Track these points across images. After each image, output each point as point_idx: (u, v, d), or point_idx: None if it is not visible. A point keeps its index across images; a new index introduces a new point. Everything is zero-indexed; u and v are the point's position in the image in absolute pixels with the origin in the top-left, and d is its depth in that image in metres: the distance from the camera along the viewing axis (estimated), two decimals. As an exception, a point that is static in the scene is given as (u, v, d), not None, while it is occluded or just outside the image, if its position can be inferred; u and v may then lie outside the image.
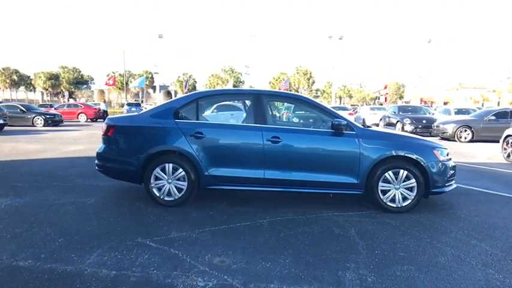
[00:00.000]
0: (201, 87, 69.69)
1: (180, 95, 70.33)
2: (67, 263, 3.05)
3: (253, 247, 3.43)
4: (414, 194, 4.47)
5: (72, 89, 69.27)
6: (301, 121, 5.38)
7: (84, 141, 12.43)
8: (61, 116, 21.42)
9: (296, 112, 6.82)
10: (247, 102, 4.83)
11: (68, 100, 53.40)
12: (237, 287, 2.72)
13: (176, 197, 4.63)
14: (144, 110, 5.34)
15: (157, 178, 4.62)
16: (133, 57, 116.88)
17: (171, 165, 4.59)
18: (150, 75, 64.99)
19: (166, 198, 4.65)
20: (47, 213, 4.33)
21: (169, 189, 4.62)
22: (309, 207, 4.70)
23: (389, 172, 4.46)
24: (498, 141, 9.68)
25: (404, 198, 4.49)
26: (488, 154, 10.41)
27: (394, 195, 4.49)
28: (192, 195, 4.65)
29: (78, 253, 3.24)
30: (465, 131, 13.51)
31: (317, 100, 5.25)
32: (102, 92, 70.85)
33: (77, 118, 25.78)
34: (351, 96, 71.36)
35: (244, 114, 5.20)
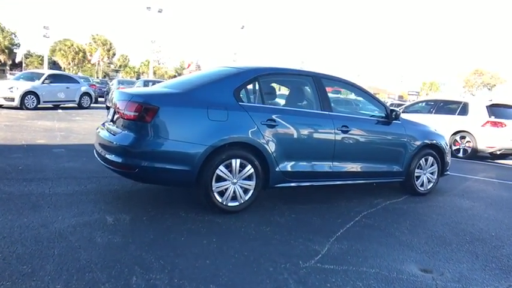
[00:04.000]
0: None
1: None
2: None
3: (417, 247, 3.15)
4: (435, 177, 5.04)
5: None
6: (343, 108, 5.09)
7: None
8: None
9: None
10: (308, 85, 4.20)
11: None
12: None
13: (242, 201, 3.64)
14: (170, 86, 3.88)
15: (219, 178, 3.50)
16: None
17: (238, 160, 3.56)
18: None
19: (230, 204, 3.60)
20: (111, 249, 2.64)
21: (234, 191, 3.59)
22: (358, 198, 4.58)
23: (423, 159, 4.85)
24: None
25: (429, 182, 4.99)
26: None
27: (423, 179, 4.92)
28: (257, 197, 3.76)
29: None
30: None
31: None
32: None
33: None
34: (154, 73, 69.33)
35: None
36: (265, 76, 3.92)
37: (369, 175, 4.45)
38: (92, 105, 15.54)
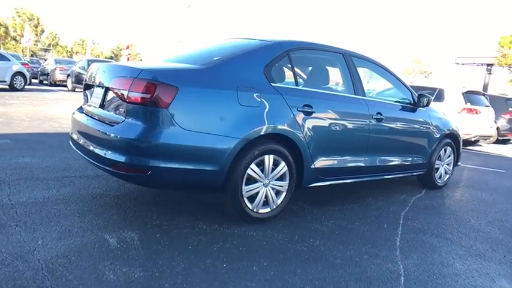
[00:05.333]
0: None
1: None
2: None
3: (489, 257, 2.69)
4: (451, 168, 4.71)
5: None
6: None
7: None
8: None
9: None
10: (340, 64, 3.53)
11: None
12: None
13: (274, 206, 2.95)
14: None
15: (249, 180, 2.77)
16: None
17: (271, 157, 2.84)
18: None
19: (262, 210, 2.89)
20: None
21: (265, 194, 2.88)
22: (382, 195, 4.09)
23: (442, 149, 4.47)
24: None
25: (445, 173, 4.64)
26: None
27: (441, 171, 4.56)
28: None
29: None
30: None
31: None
32: None
33: None
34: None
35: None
36: (296, 51, 3.19)
37: (397, 169, 3.96)
38: (26, 86, 13.57)
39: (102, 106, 2.78)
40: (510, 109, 10.55)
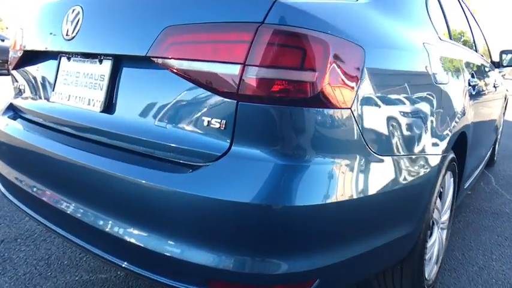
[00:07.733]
0: None
1: None
2: None
3: None
4: (499, 137, 3.94)
5: None
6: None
7: None
8: None
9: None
10: (457, 8, 2.24)
11: None
12: None
13: (439, 258, 1.68)
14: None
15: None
16: None
17: (448, 175, 1.54)
18: None
19: (433, 274, 1.59)
20: None
21: (439, 247, 1.59)
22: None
23: (502, 119, 3.64)
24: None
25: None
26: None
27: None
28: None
29: None
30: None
31: None
32: None
33: None
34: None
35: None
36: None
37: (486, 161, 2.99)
38: None
39: (107, 108, 1.07)
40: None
